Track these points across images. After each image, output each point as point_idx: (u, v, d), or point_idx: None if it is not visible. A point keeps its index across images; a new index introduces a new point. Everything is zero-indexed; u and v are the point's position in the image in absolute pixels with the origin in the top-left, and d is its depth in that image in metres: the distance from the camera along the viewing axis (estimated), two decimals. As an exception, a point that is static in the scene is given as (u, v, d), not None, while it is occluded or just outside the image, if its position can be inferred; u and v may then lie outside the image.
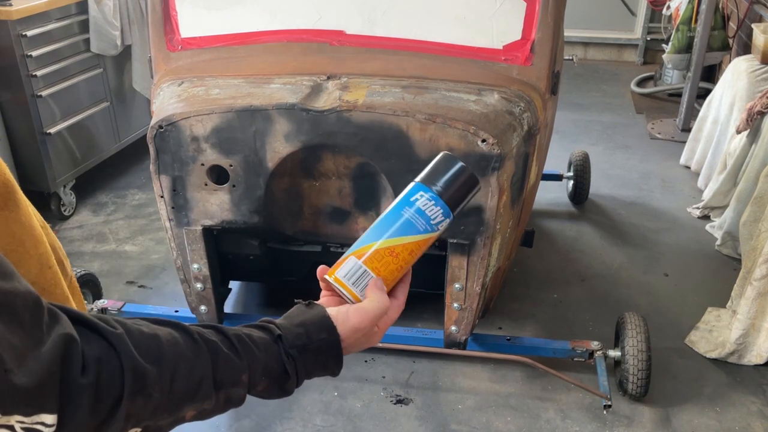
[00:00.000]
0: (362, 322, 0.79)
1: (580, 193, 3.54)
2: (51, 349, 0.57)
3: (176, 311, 2.52)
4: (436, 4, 2.15)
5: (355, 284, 0.82)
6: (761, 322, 2.41)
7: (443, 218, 0.84)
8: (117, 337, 0.63)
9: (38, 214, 0.86)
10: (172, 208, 2.09)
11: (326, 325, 0.78)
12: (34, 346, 0.56)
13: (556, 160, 3.85)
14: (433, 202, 0.84)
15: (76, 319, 0.63)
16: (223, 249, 2.27)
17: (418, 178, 0.87)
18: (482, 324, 2.62)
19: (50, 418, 0.57)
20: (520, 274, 3.00)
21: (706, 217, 3.46)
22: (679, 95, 4.73)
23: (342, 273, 0.83)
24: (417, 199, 0.84)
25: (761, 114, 2.97)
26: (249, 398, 0.76)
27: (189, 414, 0.69)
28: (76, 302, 0.91)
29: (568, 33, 3.19)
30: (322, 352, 0.77)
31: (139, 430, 0.67)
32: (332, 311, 0.79)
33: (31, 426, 0.56)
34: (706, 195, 3.47)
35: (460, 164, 0.87)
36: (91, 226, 3.42)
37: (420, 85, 2.01)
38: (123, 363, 0.62)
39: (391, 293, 0.85)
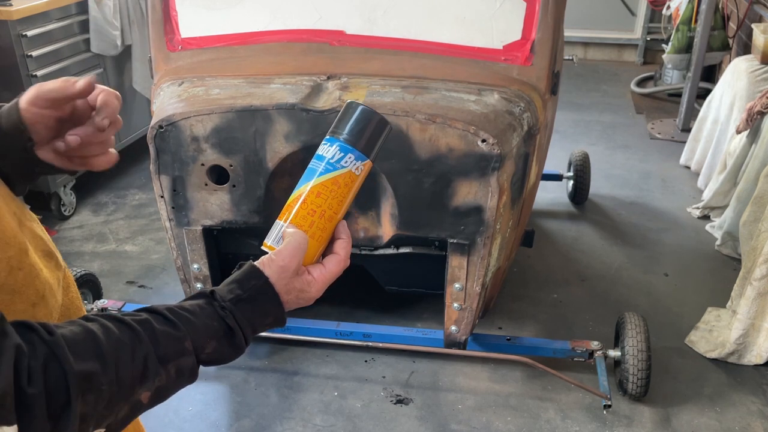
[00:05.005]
0: (284, 259, 0.81)
1: (580, 193, 3.54)
2: (6, 362, 0.59)
3: (176, 311, 2.51)
4: (436, 4, 2.15)
5: (277, 242, 0.86)
6: (761, 322, 2.41)
7: (342, 153, 0.87)
8: (54, 343, 0.63)
9: (24, 210, 0.84)
10: (172, 208, 2.09)
11: (254, 272, 0.81)
12: None
13: (556, 160, 3.85)
14: (329, 144, 0.88)
15: (21, 326, 0.64)
16: (223, 249, 2.27)
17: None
18: (482, 324, 2.62)
19: (11, 430, 0.58)
20: (520, 274, 3.00)
21: (706, 217, 3.46)
22: (679, 95, 4.73)
23: (270, 239, 0.87)
24: (321, 151, 0.88)
25: (761, 114, 2.97)
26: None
27: (144, 396, 0.70)
28: (70, 296, 0.90)
29: (568, 33, 3.19)
30: (257, 298, 0.79)
31: (102, 431, 0.68)
32: (258, 261, 0.83)
33: None
34: (706, 195, 3.47)
35: (359, 108, 0.89)
36: (91, 226, 3.42)
37: (420, 85, 2.01)
38: (64, 367, 0.62)
39: (331, 250, 0.89)
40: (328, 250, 0.89)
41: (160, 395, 0.72)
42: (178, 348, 0.72)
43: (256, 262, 0.82)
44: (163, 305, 0.75)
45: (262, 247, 0.87)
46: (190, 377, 0.75)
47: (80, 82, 0.81)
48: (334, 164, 0.86)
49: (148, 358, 0.69)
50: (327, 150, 0.87)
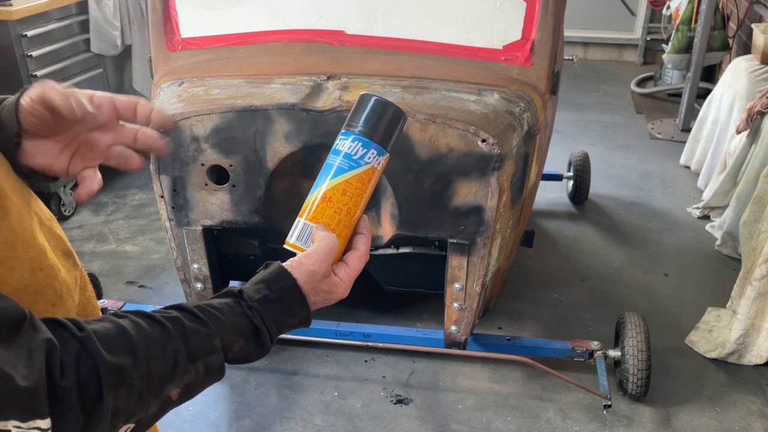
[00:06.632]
0: (314, 263, 0.82)
1: (580, 193, 3.54)
2: (38, 357, 0.59)
3: (176, 311, 2.52)
4: (436, 4, 2.15)
5: (305, 242, 0.86)
6: (761, 322, 2.41)
7: (365, 149, 0.86)
8: (85, 339, 0.64)
9: (43, 209, 0.84)
10: (172, 208, 2.09)
11: (282, 273, 0.81)
12: (24, 356, 0.59)
13: (556, 160, 3.85)
14: (350, 138, 0.86)
15: (52, 322, 0.64)
16: (223, 249, 2.27)
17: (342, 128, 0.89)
18: (482, 324, 2.62)
19: (44, 423, 0.59)
20: (520, 274, 3.00)
21: (706, 217, 3.46)
22: (679, 95, 4.73)
23: (293, 237, 0.87)
24: (340, 146, 0.87)
25: (761, 114, 2.97)
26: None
27: (174, 392, 0.71)
28: (87, 295, 0.90)
29: (568, 33, 3.19)
30: (284, 299, 0.80)
31: (132, 425, 0.68)
32: (287, 262, 0.83)
33: (27, 431, 0.58)
34: (706, 195, 3.47)
35: (373, 98, 0.88)
36: (91, 226, 3.42)
37: (420, 85, 2.01)
38: (96, 361, 0.63)
39: (350, 245, 0.88)
40: (347, 245, 0.89)
41: (188, 392, 0.73)
42: (207, 345, 0.73)
43: (285, 264, 0.82)
44: (192, 303, 0.76)
45: (285, 246, 0.87)
46: (218, 375, 0.76)
47: (84, 106, 0.74)
48: (357, 160, 0.85)
49: (179, 354, 0.70)
50: (347, 145, 0.86)
